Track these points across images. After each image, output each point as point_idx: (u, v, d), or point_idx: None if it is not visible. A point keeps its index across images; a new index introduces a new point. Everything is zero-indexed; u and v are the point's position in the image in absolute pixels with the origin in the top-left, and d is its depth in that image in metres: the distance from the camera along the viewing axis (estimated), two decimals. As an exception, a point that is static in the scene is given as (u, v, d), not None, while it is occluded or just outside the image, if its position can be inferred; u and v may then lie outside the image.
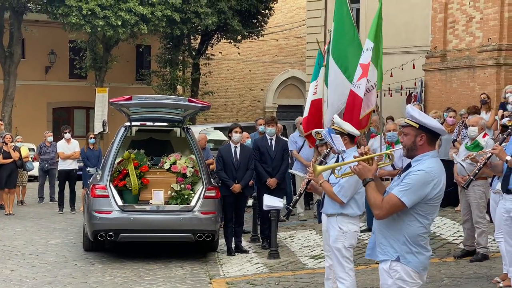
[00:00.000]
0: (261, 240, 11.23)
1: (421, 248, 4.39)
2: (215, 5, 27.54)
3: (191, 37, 30.69)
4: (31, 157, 18.74)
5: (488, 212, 8.83)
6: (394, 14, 19.63)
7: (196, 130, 15.67)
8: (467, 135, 9.19)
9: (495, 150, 6.75)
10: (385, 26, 9.82)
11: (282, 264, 9.68)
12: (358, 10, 22.31)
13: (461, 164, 8.45)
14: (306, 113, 11.00)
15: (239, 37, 30.24)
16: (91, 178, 11.57)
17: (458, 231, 10.39)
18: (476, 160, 7.41)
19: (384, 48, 9.74)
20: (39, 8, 26.12)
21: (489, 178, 8.17)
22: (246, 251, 10.77)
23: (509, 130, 7.33)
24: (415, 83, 19.12)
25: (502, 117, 10.58)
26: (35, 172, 19.40)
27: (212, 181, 10.74)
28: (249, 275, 9.13)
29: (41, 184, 18.19)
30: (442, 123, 12.43)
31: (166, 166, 10.98)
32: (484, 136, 8.77)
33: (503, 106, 12.45)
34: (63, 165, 16.34)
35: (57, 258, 10.60)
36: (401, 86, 19.48)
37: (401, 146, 4.49)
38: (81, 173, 16.09)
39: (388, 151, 4.66)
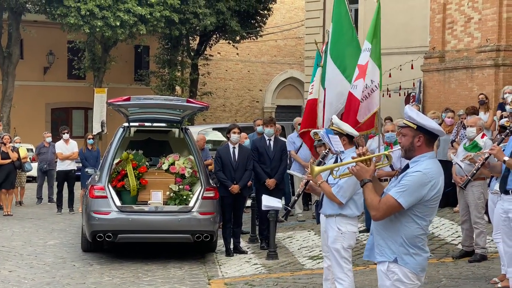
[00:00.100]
0: (259, 241, 11.23)
1: (419, 249, 4.38)
2: (213, 5, 27.54)
3: (190, 37, 30.70)
4: (30, 158, 18.74)
5: (486, 212, 8.83)
6: (393, 14, 19.64)
7: (195, 130, 15.66)
8: (466, 135, 9.19)
9: (493, 151, 6.75)
10: (383, 27, 9.84)
11: (281, 264, 9.68)
12: (356, 10, 22.32)
13: (459, 165, 8.45)
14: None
15: (238, 38, 30.25)
16: (90, 179, 11.57)
17: (457, 231, 10.40)
18: (475, 160, 7.41)
19: (383, 48, 9.75)
20: (37, 8, 26.10)
21: (488, 179, 8.17)
22: (244, 252, 10.77)
23: (507, 131, 7.33)
24: (413, 83, 19.12)
25: (501, 117, 10.58)
26: (33, 172, 19.40)
27: (211, 181, 10.74)
28: (248, 275, 9.13)
29: (39, 184, 18.18)
30: (440, 124, 12.42)
31: (165, 166, 10.98)
32: (482, 137, 8.77)
33: (501, 106, 12.46)
34: (61, 166, 16.33)
35: (56, 259, 10.60)
36: (400, 86, 19.48)
37: (399, 147, 4.49)
38: (80, 173, 16.10)
39: (386, 152, 4.66)
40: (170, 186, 10.67)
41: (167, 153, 11.48)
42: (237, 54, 34.74)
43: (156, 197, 10.65)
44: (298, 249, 10.66)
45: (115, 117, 21.77)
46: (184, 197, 10.60)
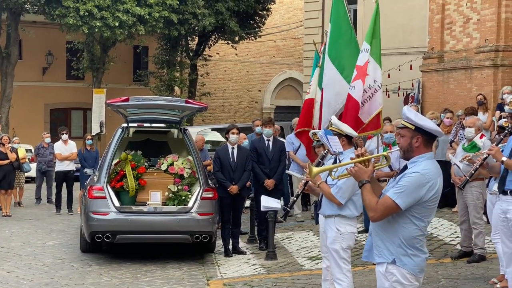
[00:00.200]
0: (258, 241, 11.23)
1: (417, 250, 4.37)
2: (212, 6, 27.54)
3: (189, 38, 30.68)
4: (28, 158, 18.73)
5: (485, 213, 8.83)
6: (391, 15, 19.65)
7: (194, 131, 15.67)
8: (464, 136, 9.20)
9: (492, 151, 6.76)
10: (382, 27, 9.85)
11: (280, 265, 9.68)
12: (355, 11, 22.33)
13: (457, 165, 8.45)
14: None
15: (237, 38, 30.22)
16: (88, 179, 11.57)
17: (455, 232, 10.40)
18: (473, 161, 7.41)
19: (381, 49, 9.75)
20: (36, 9, 26.08)
21: (486, 179, 8.17)
22: (243, 252, 10.77)
23: (506, 131, 7.33)
24: (412, 84, 19.12)
25: (500, 118, 10.59)
26: (32, 173, 19.39)
27: (210, 182, 10.74)
28: (247, 276, 9.13)
29: (38, 185, 18.17)
30: (439, 124, 12.43)
31: (163, 167, 10.98)
32: (481, 137, 8.78)
33: (500, 107, 12.47)
34: (60, 166, 16.33)
35: (54, 260, 10.59)
36: (399, 87, 19.48)
37: (398, 148, 4.49)
38: (79, 174, 16.10)
39: (385, 153, 4.66)
40: (169, 187, 10.66)
41: (166, 153, 11.47)
42: (236, 54, 34.72)
43: (155, 198, 10.65)
44: (297, 249, 10.66)
45: (114, 118, 21.75)
46: (183, 197, 10.59)
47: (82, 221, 10.74)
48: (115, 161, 10.91)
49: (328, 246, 6.55)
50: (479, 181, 8.64)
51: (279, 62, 36.40)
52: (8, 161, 15.74)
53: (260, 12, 30.92)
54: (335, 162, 6.47)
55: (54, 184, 16.96)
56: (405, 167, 4.40)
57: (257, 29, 31.17)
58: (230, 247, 10.74)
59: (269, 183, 10.80)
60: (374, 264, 4.55)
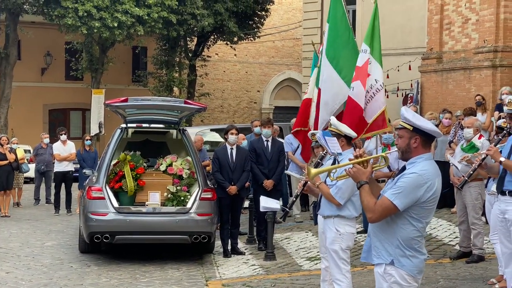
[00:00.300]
0: (257, 242, 11.23)
1: (415, 251, 4.36)
2: (211, 6, 27.54)
3: (188, 38, 30.69)
4: (27, 159, 18.72)
5: (484, 213, 8.83)
6: (390, 15, 19.66)
7: (192, 131, 15.65)
8: (463, 136, 9.20)
9: (490, 151, 6.76)
10: (381, 28, 9.87)
11: (278, 265, 9.68)
12: (354, 11, 22.34)
13: (455, 166, 8.45)
14: None
15: (236, 39, 30.23)
16: (87, 180, 11.56)
17: (454, 232, 10.40)
18: (472, 161, 7.42)
19: (380, 49, 9.77)
20: (35, 9, 26.08)
21: (485, 180, 8.18)
22: (242, 253, 10.77)
23: (504, 132, 7.33)
24: (411, 84, 19.14)
25: (498, 118, 10.60)
26: (31, 174, 19.39)
27: (208, 182, 10.73)
28: (245, 277, 9.12)
29: (37, 186, 18.17)
30: (438, 125, 12.44)
31: (162, 167, 10.98)
32: (479, 138, 8.78)
33: (499, 107, 12.47)
34: (59, 167, 16.32)
35: (53, 260, 10.59)
36: (397, 87, 19.50)
37: (397, 149, 4.48)
38: (77, 175, 16.09)
39: (383, 154, 4.65)
40: (167, 187, 10.66)
41: (164, 154, 11.47)
42: (235, 55, 34.73)
43: (154, 198, 10.64)
44: (296, 250, 10.66)
45: (113, 118, 21.76)
46: (182, 198, 10.59)
47: (81, 221, 10.73)
48: (114, 162, 10.90)
49: (327, 247, 6.54)
50: (478, 182, 8.64)
51: (278, 63, 36.41)
52: (7, 161, 15.73)
53: (259, 13, 30.93)
54: (334, 162, 6.46)
55: (53, 184, 16.95)
56: (404, 168, 4.40)
57: (256, 29, 31.17)
58: (229, 247, 10.74)
59: (268, 183, 10.80)
60: (373, 265, 4.55)
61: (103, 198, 10.23)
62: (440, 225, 11.16)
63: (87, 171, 12.46)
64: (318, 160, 6.85)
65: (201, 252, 10.94)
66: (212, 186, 10.67)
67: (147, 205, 10.56)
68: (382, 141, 10.47)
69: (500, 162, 6.63)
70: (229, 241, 10.77)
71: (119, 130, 11.36)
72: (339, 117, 9.11)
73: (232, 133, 10.69)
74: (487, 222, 8.66)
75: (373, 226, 4.45)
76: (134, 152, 11.23)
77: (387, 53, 18.49)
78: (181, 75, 30.40)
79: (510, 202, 6.64)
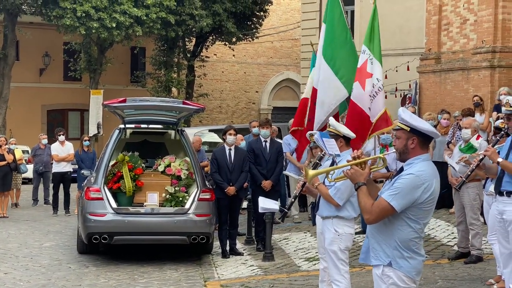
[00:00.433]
0: (255, 242, 11.23)
1: (413, 252, 4.35)
2: (210, 7, 27.54)
3: (186, 39, 30.68)
4: (25, 160, 18.70)
5: (482, 214, 8.84)
6: (389, 16, 19.67)
7: (191, 132, 15.65)
8: (461, 137, 9.20)
9: (488, 152, 6.76)
10: (379, 28, 9.87)
11: (277, 266, 9.68)
12: (352, 12, 22.36)
13: (453, 167, 8.45)
14: None
15: (234, 39, 30.24)
16: (85, 181, 11.55)
17: (453, 233, 10.41)
18: (470, 162, 7.42)
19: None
20: (33, 10, 26.06)
21: (483, 180, 8.18)
22: (240, 254, 10.77)
23: (502, 132, 7.34)
24: (409, 85, 19.16)
25: (497, 119, 10.60)
26: (29, 174, 19.37)
27: (207, 183, 10.73)
28: (244, 277, 9.12)
29: (35, 186, 18.15)
30: (436, 125, 12.45)
31: (161, 168, 10.98)
32: (477, 138, 8.79)
33: (497, 108, 12.48)
34: (57, 168, 16.32)
35: (51, 261, 10.58)
36: (396, 88, 19.52)
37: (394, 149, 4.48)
38: (76, 175, 16.08)
39: (381, 155, 4.65)
40: (166, 188, 10.66)
41: (163, 154, 11.47)
42: (233, 55, 34.73)
43: (152, 199, 10.64)
44: (294, 250, 10.66)
45: (111, 119, 21.76)
46: (180, 199, 10.59)
47: (79, 222, 10.72)
48: (112, 162, 10.90)
49: (326, 248, 6.54)
50: (476, 182, 8.65)
51: (277, 63, 36.41)
52: (5, 162, 15.72)
53: (258, 13, 30.93)
54: (332, 163, 6.45)
55: (51, 185, 16.94)
56: (401, 169, 4.40)
57: (254, 30, 31.18)
58: (228, 248, 10.74)
59: (266, 184, 10.80)
60: (372, 266, 4.54)
61: (102, 199, 10.23)
62: (439, 226, 11.17)
63: (85, 172, 12.46)
64: (317, 161, 6.84)
65: (200, 253, 10.94)
66: (211, 187, 10.67)
67: (145, 206, 10.56)
68: (380, 141, 10.47)
69: (498, 163, 6.63)
70: (228, 241, 10.77)
71: (117, 131, 11.35)
72: (335, 118, 9.12)
73: (230, 134, 10.68)
74: (485, 223, 8.66)
75: (371, 227, 4.44)
76: (132, 153, 11.23)
77: (386, 54, 18.45)
78: (179, 76, 30.39)
79: (508, 202, 6.65)
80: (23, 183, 19.11)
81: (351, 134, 6.78)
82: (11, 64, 26.75)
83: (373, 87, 9.39)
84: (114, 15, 24.83)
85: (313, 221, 10.41)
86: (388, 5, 19.63)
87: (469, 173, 7.45)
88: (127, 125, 11.55)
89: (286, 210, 7.48)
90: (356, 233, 9.74)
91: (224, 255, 10.62)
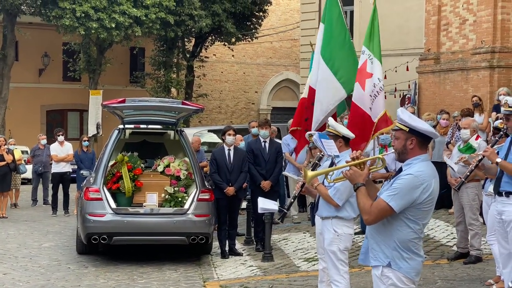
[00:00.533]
0: (255, 243, 11.23)
1: (413, 253, 4.35)
2: (209, 7, 27.55)
3: (185, 39, 30.69)
4: (25, 160, 18.68)
5: (481, 214, 8.84)
6: (388, 16, 19.67)
7: (190, 132, 15.65)
8: (460, 137, 9.21)
9: (486, 152, 6.76)
10: (379, 28, 9.88)
11: (276, 266, 9.68)
12: (352, 12, 22.36)
13: (451, 167, 8.45)
14: None
15: (233, 40, 30.24)
16: (85, 181, 11.55)
17: (452, 233, 10.41)
18: (469, 162, 7.42)
19: (378, 50, 9.80)
20: (32, 10, 26.05)
21: (482, 180, 8.18)
22: (240, 254, 10.77)
23: (501, 133, 7.33)
24: (409, 85, 19.16)
25: (496, 119, 10.60)
26: (28, 174, 19.35)
27: (206, 183, 10.73)
28: (243, 277, 9.12)
29: (34, 187, 18.14)
30: (435, 126, 12.45)
31: (160, 168, 10.98)
32: (476, 139, 8.79)
33: (496, 108, 12.48)
34: (56, 168, 16.31)
35: (50, 261, 10.57)
36: (395, 88, 19.51)
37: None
38: (75, 175, 16.08)
39: (380, 155, 4.65)
40: (165, 188, 10.65)
41: (162, 155, 11.47)
42: (233, 56, 34.73)
43: (151, 199, 10.64)
44: (294, 251, 10.65)
45: (111, 119, 21.76)
46: (179, 199, 10.58)
47: (78, 222, 10.72)
48: (111, 163, 10.90)
49: (326, 248, 6.54)
50: (475, 182, 8.65)
51: (276, 64, 36.41)
52: (5, 162, 15.71)
53: (257, 14, 30.93)
54: (331, 164, 6.45)
55: (50, 185, 16.93)
56: (400, 169, 4.39)
57: (253, 30, 31.19)
58: (227, 248, 10.74)
59: (266, 184, 10.80)
60: (371, 266, 4.54)
61: (101, 199, 10.23)
62: (438, 226, 11.17)
63: (84, 172, 12.46)
64: (316, 161, 6.84)
65: (199, 253, 10.94)
66: (210, 187, 10.66)
67: (144, 206, 10.56)
68: (379, 142, 10.47)
69: (497, 163, 6.63)
70: (227, 242, 10.76)
71: (116, 131, 11.35)
72: (333, 118, 9.14)
73: (229, 134, 10.68)
74: (484, 223, 8.66)
75: (370, 228, 4.44)
76: (131, 153, 11.23)
77: (385, 54, 18.39)
78: (178, 76, 30.39)
79: (507, 203, 6.65)
80: (22, 183, 19.10)
81: (351, 135, 6.78)
82: (10, 65, 26.74)
83: (374, 86, 9.41)
84: (114, 15, 24.83)
85: (312, 222, 10.39)
86: (387, 5, 19.63)
87: (468, 173, 7.46)
88: (126, 126, 11.54)
89: (285, 211, 7.47)
90: (355, 234, 9.74)
91: (223, 255, 10.62)
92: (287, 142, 12.75)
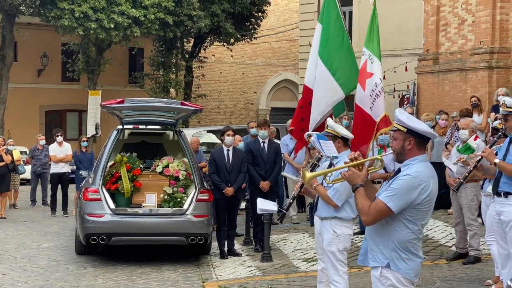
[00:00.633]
0: (254, 243, 11.22)
1: (412, 254, 4.34)
2: (208, 8, 27.54)
3: (184, 40, 30.68)
4: (23, 161, 18.67)
5: (480, 214, 8.84)
6: (387, 16, 19.68)
7: (189, 133, 15.66)
8: (459, 137, 9.21)
9: (484, 153, 6.76)
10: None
11: (275, 267, 9.68)
12: (351, 13, 22.37)
13: (450, 168, 8.45)
14: None
15: (232, 40, 30.23)
16: (84, 181, 11.55)
17: (451, 233, 10.41)
18: (468, 163, 7.43)
19: (377, 50, 9.81)
20: (31, 11, 26.03)
21: (481, 181, 8.19)
22: (239, 254, 10.76)
23: (500, 133, 7.34)
24: (407, 85, 19.17)
25: (495, 119, 10.60)
26: (27, 175, 19.35)
27: (205, 184, 10.73)
28: (242, 278, 9.12)
29: (33, 187, 18.13)
30: (434, 126, 12.45)
31: (159, 169, 10.97)
32: (475, 139, 8.79)
33: (495, 108, 12.48)
34: (55, 168, 16.30)
35: (49, 262, 10.57)
36: (394, 88, 19.53)
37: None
38: (74, 176, 16.07)
39: (378, 156, 4.65)
40: (164, 189, 10.65)
41: (161, 155, 11.47)
42: (232, 56, 34.73)
43: (150, 200, 10.64)
44: (292, 251, 10.66)
45: (110, 120, 21.74)
46: (178, 199, 10.58)
47: (77, 223, 10.72)
48: (110, 163, 10.89)
49: (325, 248, 6.54)
50: (473, 183, 8.65)
51: (275, 64, 36.42)
52: (3, 163, 15.71)
53: (256, 14, 30.94)
54: (330, 165, 6.45)
55: (49, 186, 16.93)
56: (399, 170, 4.39)
57: (252, 31, 31.19)
58: (226, 249, 10.74)
59: (264, 185, 10.80)
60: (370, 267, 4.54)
61: (100, 200, 10.23)
62: (437, 226, 11.18)
63: (83, 173, 12.46)
64: (315, 162, 6.84)
65: (198, 254, 10.94)
66: (209, 188, 10.66)
67: (143, 207, 10.55)
68: (378, 142, 10.47)
69: (495, 164, 6.63)
70: (226, 242, 10.76)
71: (115, 132, 11.35)
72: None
73: (228, 135, 10.68)
74: (483, 223, 8.67)
75: (369, 229, 4.43)
76: (130, 154, 11.23)
77: (384, 54, 18.35)
78: (177, 77, 30.38)
79: (505, 203, 6.65)
80: (21, 184, 19.10)
81: (349, 135, 6.78)
82: (9, 65, 26.72)
83: (376, 86, 9.42)
84: (112, 15, 24.82)
85: (311, 222, 10.36)
86: (386, 5, 19.64)
87: (467, 174, 7.46)
88: (125, 126, 11.55)
89: (284, 211, 7.48)
90: (354, 234, 9.73)
91: (222, 256, 10.62)
92: (286, 142, 12.76)
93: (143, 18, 25.35)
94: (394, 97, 19.64)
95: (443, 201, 11.57)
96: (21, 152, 20.18)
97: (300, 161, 12.25)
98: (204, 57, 31.83)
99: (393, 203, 4.22)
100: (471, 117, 11.81)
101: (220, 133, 11.27)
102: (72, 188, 16.53)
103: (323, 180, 6.35)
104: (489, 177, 7.24)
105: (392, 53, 19.82)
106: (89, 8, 24.45)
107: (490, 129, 10.87)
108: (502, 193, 6.69)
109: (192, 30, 28.16)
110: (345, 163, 4.46)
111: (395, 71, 19.01)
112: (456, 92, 16.69)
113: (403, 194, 4.23)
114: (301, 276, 8.88)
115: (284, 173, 11.40)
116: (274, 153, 11.07)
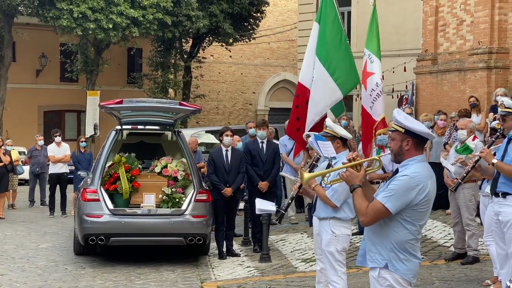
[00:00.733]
0: (252, 244, 11.22)
1: (410, 255, 4.34)
2: (206, 8, 27.55)
3: (183, 40, 30.68)
4: (22, 161, 18.66)
5: (478, 215, 8.84)
6: (386, 17, 19.68)
7: (187, 133, 15.65)
8: (457, 138, 9.21)
9: (482, 153, 6.76)
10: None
11: (274, 267, 9.68)
12: (349, 13, 22.37)
13: (448, 169, 8.45)
14: None
15: (231, 40, 30.24)
16: (82, 182, 11.54)
17: (449, 234, 10.41)
18: (466, 163, 7.42)
19: (376, 51, 9.83)
20: (30, 11, 26.03)
21: (479, 181, 8.18)
22: (237, 255, 10.76)
23: (498, 133, 7.34)
24: (406, 86, 19.17)
25: (494, 119, 10.61)
26: (25, 175, 19.35)
27: (204, 184, 10.73)
28: (241, 278, 9.12)
29: (31, 187, 18.13)
30: (433, 126, 12.45)
31: (157, 169, 10.97)
32: (473, 139, 8.79)
33: (494, 109, 12.48)
34: (53, 169, 16.29)
35: (48, 262, 10.57)
36: (393, 89, 19.53)
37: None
38: (72, 176, 16.06)
39: (376, 157, 4.65)
40: (162, 189, 10.65)
41: (159, 156, 11.47)
42: (230, 56, 34.72)
43: (149, 200, 10.63)
44: (291, 251, 10.66)
45: (108, 120, 21.72)
46: (177, 200, 10.58)
47: (75, 223, 10.72)
48: (108, 164, 10.89)
49: (323, 249, 6.54)
50: (471, 183, 8.65)
51: (273, 64, 36.42)
52: (2, 163, 15.70)
53: (254, 14, 30.95)
54: (328, 165, 6.44)
55: (48, 186, 16.92)
56: (397, 171, 4.39)
57: (251, 31, 31.19)
58: (224, 249, 10.73)
59: (263, 185, 10.80)
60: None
61: (98, 200, 10.22)
62: (435, 227, 11.18)
63: (82, 173, 12.45)
64: (314, 162, 6.84)
65: (196, 254, 10.93)
66: (207, 188, 10.66)
67: (142, 207, 10.55)
68: (376, 142, 10.47)
69: (493, 164, 6.63)
70: (224, 243, 10.76)
71: (114, 132, 11.35)
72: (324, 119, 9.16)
73: (227, 135, 10.68)
74: (481, 224, 8.67)
75: (367, 229, 4.43)
76: (129, 154, 11.22)
77: (383, 54, 18.34)
78: (176, 77, 30.38)
79: (503, 203, 6.64)
80: (20, 184, 19.10)
81: (348, 135, 6.77)
82: (7, 65, 26.71)
83: (377, 86, 9.44)
84: (111, 16, 24.81)
85: (310, 222, 10.38)
86: (385, 6, 19.63)
87: (465, 174, 7.46)
88: (124, 126, 11.55)
89: (282, 211, 7.47)
90: (353, 234, 9.72)
91: (221, 256, 10.62)
92: (284, 142, 12.75)
93: (141, 19, 25.34)
94: (392, 98, 19.64)
95: (441, 201, 11.56)
96: (20, 153, 20.17)
97: (296, 160, 12.25)
98: (203, 58, 31.83)
99: (390, 204, 4.22)
100: (470, 117, 11.81)
101: (218, 134, 11.26)
102: (70, 188, 16.52)
103: (321, 181, 6.35)
104: (487, 178, 7.24)
105: (390, 53, 19.81)
106: (88, 9, 24.44)
107: (489, 129, 10.89)
108: (500, 194, 6.68)
109: (190, 30, 28.16)
110: (343, 163, 4.46)
111: (393, 72, 19.01)
112: (455, 92, 16.70)
113: (400, 194, 4.23)
114: (300, 276, 8.88)
115: (282, 173, 11.39)
116: (273, 153, 11.07)
